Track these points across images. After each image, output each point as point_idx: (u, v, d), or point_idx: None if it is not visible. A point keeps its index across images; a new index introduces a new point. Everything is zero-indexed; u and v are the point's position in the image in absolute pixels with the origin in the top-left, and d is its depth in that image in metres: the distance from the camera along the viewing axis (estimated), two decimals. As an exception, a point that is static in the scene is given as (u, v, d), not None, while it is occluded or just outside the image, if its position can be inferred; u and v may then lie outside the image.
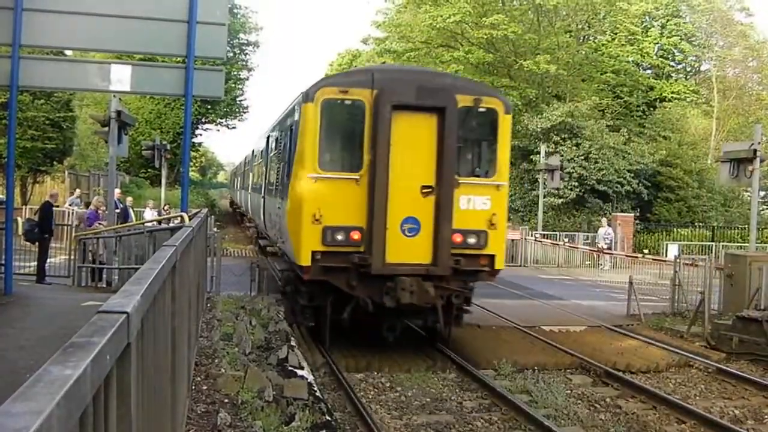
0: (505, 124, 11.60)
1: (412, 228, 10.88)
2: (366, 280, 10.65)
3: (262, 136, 19.58)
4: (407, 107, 10.80)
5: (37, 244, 14.45)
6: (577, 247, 27.81)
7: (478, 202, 11.26)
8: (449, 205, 10.79)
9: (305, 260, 10.67)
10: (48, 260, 14.65)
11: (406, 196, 10.79)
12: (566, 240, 28.29)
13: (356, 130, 10.94)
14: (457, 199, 10.96)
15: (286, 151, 12.97)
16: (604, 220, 28.40)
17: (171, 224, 12.45)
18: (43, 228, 14.26)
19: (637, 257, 24.08)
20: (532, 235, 28.08)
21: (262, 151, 19.10)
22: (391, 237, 10.64)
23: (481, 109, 11.46)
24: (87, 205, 20.51)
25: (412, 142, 10.87)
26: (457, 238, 10.98)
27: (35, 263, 15.67)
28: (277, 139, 15.18)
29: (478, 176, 11.55)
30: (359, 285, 10.72)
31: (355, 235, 10.65)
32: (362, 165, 10.74)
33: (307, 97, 10.94)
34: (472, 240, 11.13)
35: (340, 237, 10.64)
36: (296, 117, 11.83)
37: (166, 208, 23.13)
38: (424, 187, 10.88)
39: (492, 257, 11.35)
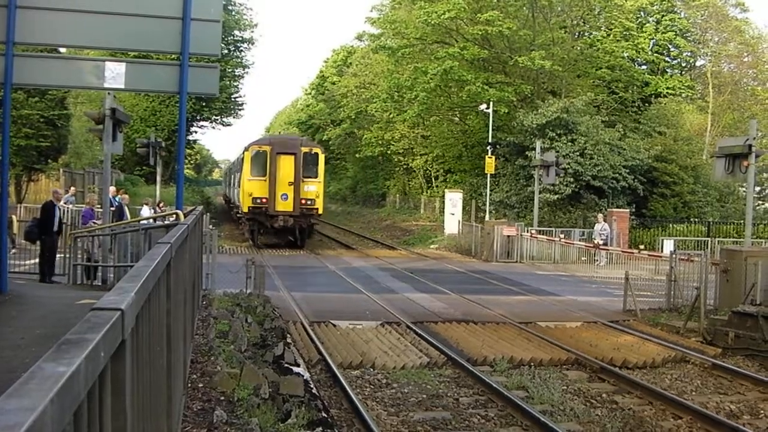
0: (321, 158, 28.88)
1: (285, 198, 27.47)
2: (268, 217, 27.46)
3: (235, 158, 42.16)
4: (282, 153, 27.73)
5: (38, 243, 14.30)
6: (572, 243, 27.83)
7: (311, 188, 27.91)
8: (299, 189, 27.40)
9: (246, 209, 28.15)
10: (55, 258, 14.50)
11: (283, 185, 27.46)
12: (562, 236, 28.32)
13: (264, 161, 27.70)
14: (303, 186, 27.58)
15: (239, 168, 30.71)
16: (600, 216, 28.43)
17: (166, 221, 12.43)
18: (43, 227, 14.07)
19: (632, 253, 24.12)
20: (528, 231, 28.11)
21: (234, 165, 39.70)
22: (277, 201, 27.41)
23: (312, 153, 28.43)
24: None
25: (284, 166, 27.52)
26: (302, 201, 27.53)
27: (30, 261, 15.64)
28: (239, 162, 33.03)
29: (310, 178, 28.00)
30: (266, 218, 27.62)
31: (264, 200, 27.42)
32: (266, 174, 27.54)
33: (246, 149, 29.06)
34: (309, 202, 27.74)
35: (258, 201, 27.46)
36: (242, 156, 29.92)
37: (161, 205, 23.12)
38: (289, 182, 27.46)
39: (317, 209, 28.19)
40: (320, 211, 28.98)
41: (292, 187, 27.55)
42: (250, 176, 27.90)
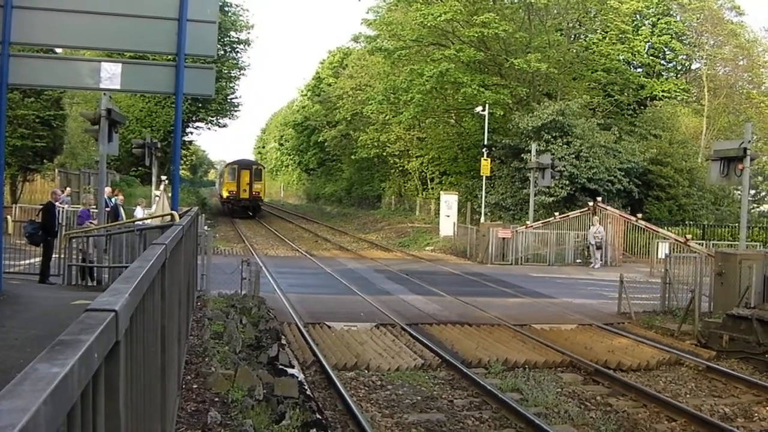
0: (264, 171, 61.38)
1: (245, 191, 53.08)
2: (236, 201, 53.33)
3: (220, 170, 74.74)
4: (243, 168, 54.38)
5: (41, 245, 14.22)
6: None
7: (257, 186, 54.40)
8: (252, 187, 53.43)
9: (225, 197, 55.66)
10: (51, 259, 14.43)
11: (243, 185, 53.08)
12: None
13: (234, 172, 53.92)
14: (254, 185, 53.71)
15: (222, 176, 61.54)
16: (595, 219, 28.48)
17: (161, 222, 12.40)
18: (46, 229, 14.01)
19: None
20: (524, 226, 28.11)
21: (221, 173, 69.01)
22: (240, 193, 53.09)
23: (258, 168, 57.37)
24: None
25: (244, 175, 53.29)
26: (254, 193, 53.68)
27: (25, 262, 15.59)
28: (223, 173, 60.65)
29: (258, 181, 54.71)
30: (235, 202, 53.47)
31: (234, 192, 53.09)
32: (235, 179, 53.38)
33: (225, 166, 60.74)
34: (257, 194, 54.26)
35: (231, 192, 53.36)
36: (223, 170, 61.83)
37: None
38: (247, 183, 53.18)
39: (261, 197, 55.77)
40: (263, 198, 57.31)
41: (249, 186, 52.52)
42: (227, 180, 53.90)
